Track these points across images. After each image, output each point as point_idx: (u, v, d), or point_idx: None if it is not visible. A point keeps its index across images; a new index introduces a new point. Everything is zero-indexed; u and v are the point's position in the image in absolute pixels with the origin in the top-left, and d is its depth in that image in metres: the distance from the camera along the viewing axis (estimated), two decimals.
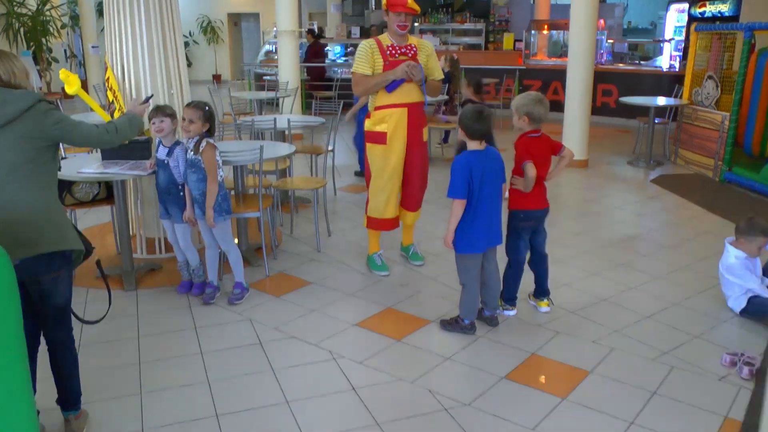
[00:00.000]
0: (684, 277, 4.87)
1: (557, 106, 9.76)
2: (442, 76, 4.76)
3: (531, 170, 3.84)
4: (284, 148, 5.25)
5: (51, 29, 15.07)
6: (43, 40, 14.80)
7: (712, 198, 7.12)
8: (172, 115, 4.27)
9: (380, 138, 4.62)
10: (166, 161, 4.27)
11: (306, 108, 11.48)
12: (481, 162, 3.68)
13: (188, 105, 4.19)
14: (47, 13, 15.01)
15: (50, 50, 15.15)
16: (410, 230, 5.14)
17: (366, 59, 4.53)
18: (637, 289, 4.65)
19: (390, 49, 4.55)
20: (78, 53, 17.30)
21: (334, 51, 14.99)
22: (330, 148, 6.79)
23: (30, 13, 14.61)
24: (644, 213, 6.61)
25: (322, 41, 13.93)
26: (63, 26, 16.26)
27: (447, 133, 9.80)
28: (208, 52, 22.19)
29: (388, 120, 4.58)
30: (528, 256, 4.17)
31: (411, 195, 4.85)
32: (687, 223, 6.23)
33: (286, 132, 6.12)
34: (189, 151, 4.16)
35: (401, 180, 4.75)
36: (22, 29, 14.34)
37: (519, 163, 3.92)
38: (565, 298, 4.47)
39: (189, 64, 21.77)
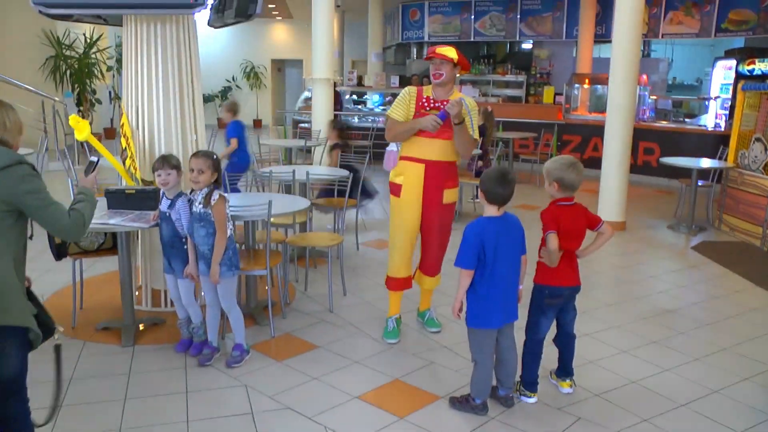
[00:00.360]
0: (726, 360, 4.44)
1: (597, 163, 9.43)
2: (477, 138, 4.48)
3: (553, 242, 3.51)
4: (299, 203, 5.05)
5: (96, 71, 15.33)
6: (88, 81, 15.04)
7: (759, 270, 6.65)
8: (178, 167, 4.10)
9: (396, 190, 4.49)
10: (168, 213, 4.08)
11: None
12: (496, 230, 3.42)
13: (196, 154, 4.01)
14: (93, 56, 15.29)
15: (94, 92, 15.38)
16: (428, 295, 4.86)
17: (402, 105, 4.43)
18: (672, 372, 4.24)
19: (426, 101, 4.39)
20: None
21: (372, 100, 14.93)
22: (355, 200, 6.59)
23: (77, 56, 14.88)
24: (683, 284, 6.20)
25: (357, 87, 13.95)
26: (108, 69, 16.55)
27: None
28: (250, 97, 22.37)
29: (405, 173, 4.44)
30: (552, 331, 3.82)
31: (427, 258, 4.62)
32: (731, 298, 5.79)
33: (307, 184, 5.94)
34: (197, 203, 3.96)
35: (414, 239, 4.53)
36: (68, 71, 14.60)
37: (543, 232, 3.60)
38: (590, 378, 4.09)
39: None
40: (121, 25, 4.89)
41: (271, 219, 4.65)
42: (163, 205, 4.12)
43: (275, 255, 4.80)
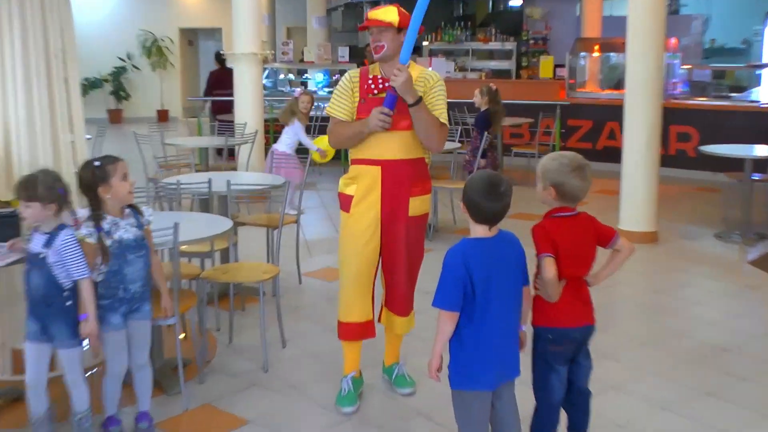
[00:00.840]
0: None
1: (614, 154, 9.48)
2: (444, 121, 4.39)
3: (549, 269, 3.39)
4: (218, 224, 4.95)
5: None
6: None
7: None
8: (44, 198, 3.85)
9: (345, 203, 4.44)
10: (42, 255, 3.85)
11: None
12: (486, 256, 3.27)
13: (114, 158, 3.95)
14: None
15: None
16: (397, 343, 4.76)
17: (343, 96, 4.38)
18: None
19: (372, 82, 4.31)
20: None
21: (315, 80, 14.88)
22: (293, 213, 6.52)
23: None
24: (740, 311, 6.22)
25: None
26: None
27: None
28: (153, 81, 22.23)
29: (357, 180, 4.38)
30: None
31: (394, 292, 4.53)
32: None
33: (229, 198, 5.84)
34: (125, 226, 3.91)
35: (373, 267, 4.45)
36: None
37: (537, 255, 3.49)
38: None
39: (126, 97, 21.86)
40: None
41: (181, 247, 4.52)
42: (35, 244, 3.89)
43: (187, 295, 4.68)
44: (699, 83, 13.82)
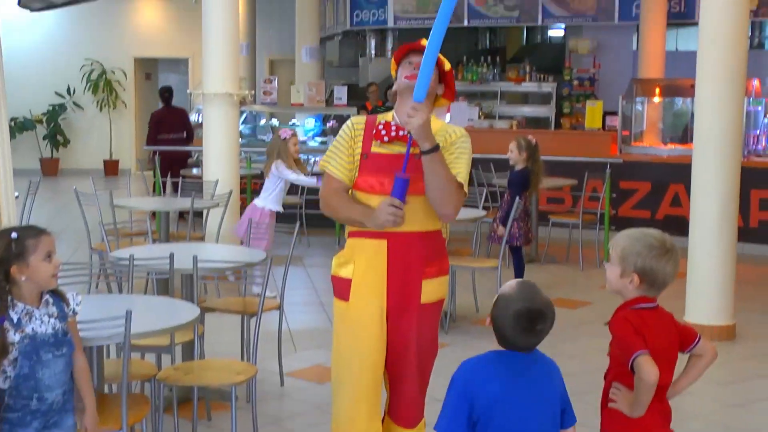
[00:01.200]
0: None
1: (679, 225, 9.48)
2: (464, 182, 4.34)
3: (651, 370, 3.34)
4: (181, 312, 4.92)
5: None
6: None
7: None
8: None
9: (342, 289, 4.34)
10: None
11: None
12: (509, 380, 3.20)
13: (38, 231, 3.91)
14: None
15: None
16: None
17: (342, 151, 4.31)
18: None
19: (384, 128, 4.23)
20: None
21: (304, 126, 14.91)
22: (273, 296, 6.47)
23: None
24: None
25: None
26: None
27: (519, 268, 9.55)
28: (100, 123, 22.31)
29: (356, 258, 4.29)
30: None
31: (401, 399, 4.46)
32: None
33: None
34: (43, 317, 3.86)
35: (379, 370, 4.37)
36: None
37: (625, 355, 3.46)
38: None
39: (65, 142, 21.87)
40: None
41: (133, 341, 4.50)
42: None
43: (139, 402, 4.64)
44: None
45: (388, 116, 4.31)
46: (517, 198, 9.13)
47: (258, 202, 9.22)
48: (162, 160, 12.83)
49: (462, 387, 3.16)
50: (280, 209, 9.14)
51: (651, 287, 3.51)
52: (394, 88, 4.36)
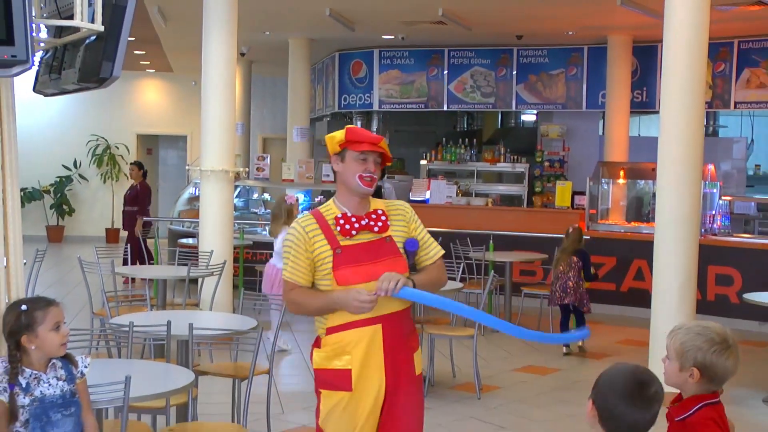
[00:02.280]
0: None
1: (642, 298, 9.51)
2: (441, 252, 4.33)
3: None
4: (176, 377, 4.87)
5: None
6: None
7: None
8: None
9: (341, 381, 4.08)
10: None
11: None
12: None
13: (47, 302, 3.91)
14: None
15: None
16: None
17: (297, 256, 4.10)
18: None
19: (342, 222, 4.10)
20: None
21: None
22: (266, 366, 6.42)
23: None
24: None
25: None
26: None
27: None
28: (103, 194, 22.27)
29: (353, 349, 4.06)
30: None
31: None
32: None
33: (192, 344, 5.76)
34: (50, 380, 3.83)
35: None
36: None
37: None
38: None
39: (70, 212, 21.83)
40: None
41: (131, 404, 4.44)
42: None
43: None
44: (742, 216, 13.93)
45: (332, 208, 4.18)
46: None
47: (275, 262, 9.29)
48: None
49: None
50: None
51: (710, 382, 3.29)
52: (343, 175, 4.14)
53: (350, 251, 4.05)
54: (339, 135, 4.16)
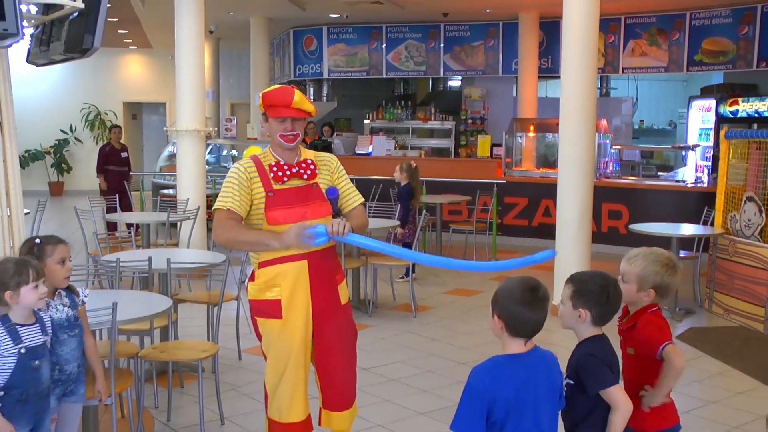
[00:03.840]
0: None
1: (549, 231, 9.56)
2: (361, 200, 4.27)
3: (680, 356, 3.28)
4: (157, 303, 4.82)
5: None
6: None
7: (766, 363, 6.75)
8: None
9: (273, 309, 4.01)
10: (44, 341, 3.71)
11: None
12: (520, 377, 2.88)
13: (57, 240, 3.87)
14: None
15: None
16: None
17: (235, 190, 3.96)
18: None
19: (275, 169, 4.02)
20: None
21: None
22: (234, 293, 6.39)
23: None
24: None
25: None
26: None
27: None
28: (95, 154, 21.79)
29: (282, 281, 3.99)
30: None
31: (333, 388, 4.19)
32: (733, 403, 5.84)
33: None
34: (62, 306, 3.80)
35: (309, 364, 4.14)
36: None
37: (652, 349, 3.32)
38: None
39: (68, 169, 21.54)
40: None
41: (120, 327, 4.40)
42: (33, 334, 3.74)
43: (124, 375, 4.55)
44: (629, 163, 14.06)
45: (269, 156, 4.07)
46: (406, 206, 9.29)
47: None
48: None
49: (481, 393, 2.81)
50: None
51: (662, 298, 3.41)
52: (269, 131, 4.08)
53: (281, 195, 3.97)
54: (258, 99, 4.11)
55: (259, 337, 4.12)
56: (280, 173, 3.99)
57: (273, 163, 4.02)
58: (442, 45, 16.82)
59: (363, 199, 4.27)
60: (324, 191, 4.09)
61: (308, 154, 4.14)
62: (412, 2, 14.20)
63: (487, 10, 15.32)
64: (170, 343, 5.54)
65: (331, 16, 16.33)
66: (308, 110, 4.03)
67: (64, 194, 21.26)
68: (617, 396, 3.04)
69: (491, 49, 16.50)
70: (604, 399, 3.06)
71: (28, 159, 20.81)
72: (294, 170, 4.02)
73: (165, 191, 12.78)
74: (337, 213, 4.11)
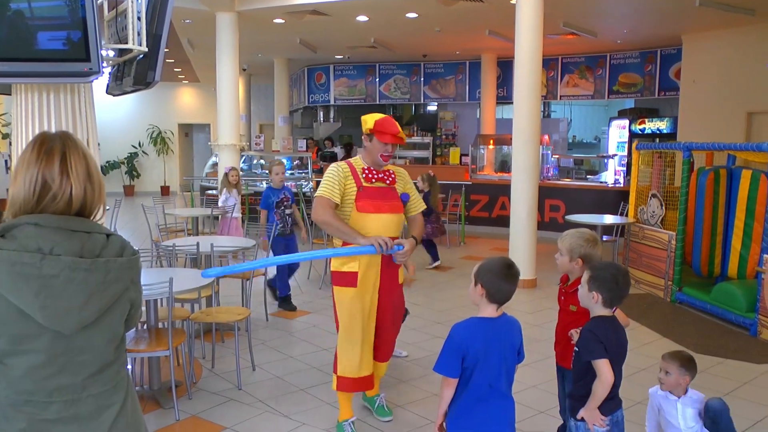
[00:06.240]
0: (641, 412, 4.44)
1: (504, 221, 9.58)
2: (424, 207, 4.32)
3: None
4: (206, 278, 4.77)
5: None
6: None
7: (664, 321, 6.81)
8: None
9: (350, 279, 3.98)
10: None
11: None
12: (489, 335, 2.88)
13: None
14: None
15: None
16: (378, 379, 4.45)
17: (335, 184, 3.97)
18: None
19: (366, 172, 4.05)
20: None
21: None
22: (262, 271, 6.41)
23: None
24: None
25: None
26: (4, 136, 15.83)
27: (433, 254, 9.47)
28: (158, 163, 21.87)
29: (359, 258, 3.95)
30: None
31: (384, 344, 4.22)
32: (640, 350, 5.87)
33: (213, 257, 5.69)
34: None
35: (373, 329, 4.12)
36: None
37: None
38: None
39: (138, 175, 21.50)
40: (9, 94, 4.60)
41: (176, 296, 4.39)
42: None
43: (179, 333, 4.55)
44: (565, 168, 14.08)
45: (359, 162, 4.10)
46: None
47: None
48: None
49: (458, 344, 2.82)
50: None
51: (585, 266, 3.35)
52: (370, 149, 4.05)
53: (368, 190, 4.01)
54: (370, 122, 4.05)
55: (335, 304, 4.10)
56: (370, 176, 4.04)
57: (365, 167, 4.06)
58: (422, 79, 16.76)
59: (424, 206, 4.32)
60: (400, 195, 4.14)
61: (389, 167, 4.18)
62: (399, 46, 14.16)
63: (457, 53, 15.31)
64: (213, 308, 5.54)
65: (336, 57, 16.27)
66: (404, 140, 4.13)
67: (134, 195, 21.19)
68: (602, 368, 2.94)
69: (460, 82, 16.47)
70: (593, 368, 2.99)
71: (108, 168, 20.85)
72: (379, 176, 4.07)
73: (210, 192, 12.75)
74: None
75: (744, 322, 6.52)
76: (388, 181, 4.09)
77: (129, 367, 3.81)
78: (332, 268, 4.09)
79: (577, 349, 3.10)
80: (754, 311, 6.40)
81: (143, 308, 4.62)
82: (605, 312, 3.07)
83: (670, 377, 3.51)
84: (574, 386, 3.16)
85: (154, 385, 4.66)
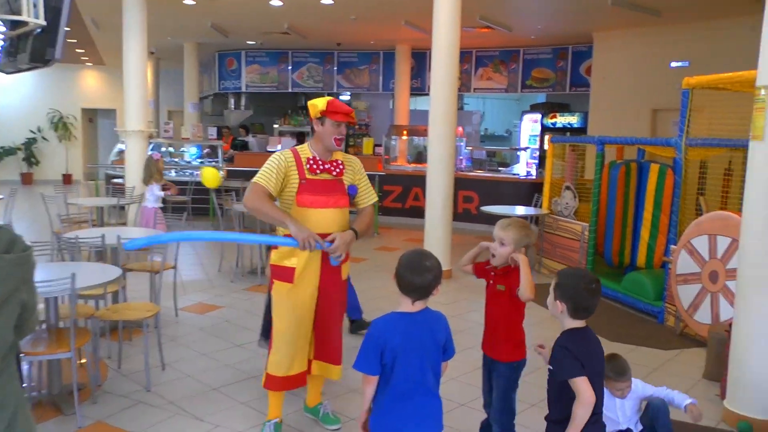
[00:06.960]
0: None
1: (418, 212, 9.57)
2: (375, 199, 4.03)
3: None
4: (109, 273, 4.50)
5: None
6: None
7: None
8: None
9: (286, 274, 3.78)
10: None
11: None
12: (407, 330, 2.74)
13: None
14: None
15: None
16: (319, 386, 4.21)
17: (273, 173, 3.70)
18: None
19: (311, 162, 3.76)
20: None
21: (189, 152, 14.34)
22: (172, 263, 6.10)
23: None
24: None
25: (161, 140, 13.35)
26: None
27: None
28: (59, 150, 20.79)
29: (300, 253, 3.71)
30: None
31: (329, 344, 3.95)
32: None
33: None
34: None
35: (311, 325, 3.89)
36: None
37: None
38: None
39: (36, 162, 20.37)
40: None
41: (79, 292, 4.08)
42: None
43: (83, 332, 4.24)
44: (478, 160, 14.24)
45: (306, 151, 3.80)
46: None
47: (147, 204, 8.12)
48: None
49: (375, 339, 2.68)
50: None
51: (526, 254, 3.37)
52: (321, 134, 3.77)
53: (312, 183, 3.74)
54: (321, 104, 3.75)
55: (271, 297, 3.91)
56: (315, 166, 3.76)
57: (310, 157, 3.77)
58: (335, 68, 16.61)
59: (376, 199, 4.05)
60: (347, 187, 3.87)
61: (339, 156, 3.89)
62: (312, 33, 13.95)
63: (372, 42, 15.21)
64: (120, 305, 5.22)
65: (248, 42, 15.91)
66: (355, 121, 3.89)
67: (33, 183, 20.12)
68: (580, 387, 2.69)
69: (374, 72, 16.40)
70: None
71: (2, 154, 19.71)
72: (326, 166, 3.79)
73: (116, 180, 12.21)
74: (353, 204, 3.95)
75: (652, 310, 6.70)
76: (335, 173, 3.81)
77: (25, 369, 3.51)
78: (271, 262, 3.86)
79: (550, 368, 2.85)
80: (661, 300, 6.59)
81: (42, 306, 4.28)
82: (575, 324, 2.85)
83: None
84: (550, 409, 2.92)
85: (54, 389, 4.33)
